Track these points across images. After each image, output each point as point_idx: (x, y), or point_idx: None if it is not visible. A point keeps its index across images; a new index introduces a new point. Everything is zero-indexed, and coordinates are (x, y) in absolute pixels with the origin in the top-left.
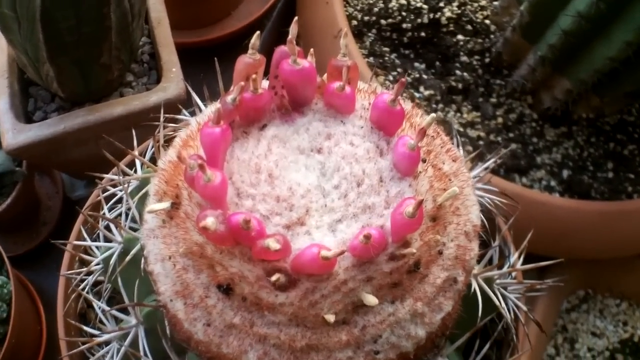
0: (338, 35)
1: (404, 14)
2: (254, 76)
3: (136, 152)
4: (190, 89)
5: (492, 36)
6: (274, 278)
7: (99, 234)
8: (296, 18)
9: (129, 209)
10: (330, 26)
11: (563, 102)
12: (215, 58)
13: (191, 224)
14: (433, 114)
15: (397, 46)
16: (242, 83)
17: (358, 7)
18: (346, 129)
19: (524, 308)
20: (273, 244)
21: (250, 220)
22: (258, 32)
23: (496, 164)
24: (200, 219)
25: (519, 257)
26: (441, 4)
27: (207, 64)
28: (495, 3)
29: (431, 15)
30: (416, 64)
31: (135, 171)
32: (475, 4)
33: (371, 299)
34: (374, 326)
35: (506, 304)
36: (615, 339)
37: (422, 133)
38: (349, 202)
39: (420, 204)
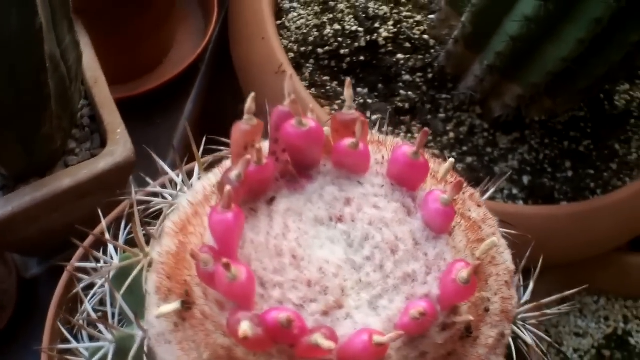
0: (279, 71)
1: (340, 39)
2: (257, 145)
3: (105, 230)
4: (155, 156)
5: (432, 51)
6: None
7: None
8: (252, 94)
9: (107, 299)
10: (269, 62)
11: (514, 108)
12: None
13: (212, 325)
14: (451, 159)
15: (337, 73)
16: (248, 156)
17: (292, 39)
18: (365, 191)
19: (549, 339)
20: (323, 341)
21: (293, 319)
22: (253, 93)
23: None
24: (232, 325)
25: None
26: (377, 25)
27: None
28: (432, 17)
29: (368, 38)
30: (359, 89)
31: (105, 253)
32: (411, 20)
33: None
34: None
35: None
36: (599, 335)
37: (459, 187)
38: (386, 274)
39: (476, 268)
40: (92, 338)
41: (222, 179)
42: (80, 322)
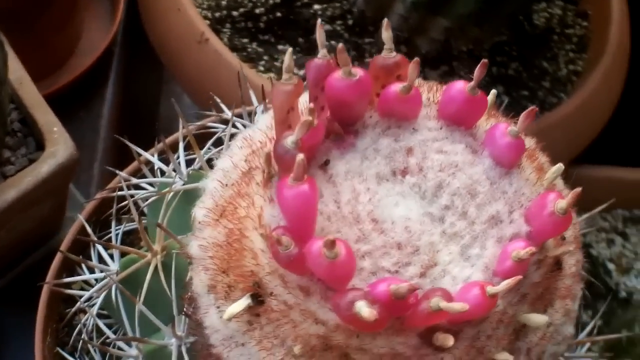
0: (202, 40)
1: None
2: (310, 105)
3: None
4: (129, 144)
5: None
6: (437, 341)
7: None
8: (290, 49)
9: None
10: (188, 33)
11: (441, 42)
12: None
13: (299, 315)
14: (494, 91)
15: (255, 34)
16: (308, 118)
17: (205, 6)
18: (424, 136)
19: None
20: (448, 305)
21: (412, 288)
22: (290, 49)
23: None
24: (345, 309)
25: None
26: None
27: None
28: None
29: None
30: (279, 47)
31: (90, 258)
32: None
33: (540, 319)
34: (537, 345)
35: None
36: None
37: (531, 116)
38: (472, 220)
39: (577, 196)
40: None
41: (276, 149)
42: (83, 341)
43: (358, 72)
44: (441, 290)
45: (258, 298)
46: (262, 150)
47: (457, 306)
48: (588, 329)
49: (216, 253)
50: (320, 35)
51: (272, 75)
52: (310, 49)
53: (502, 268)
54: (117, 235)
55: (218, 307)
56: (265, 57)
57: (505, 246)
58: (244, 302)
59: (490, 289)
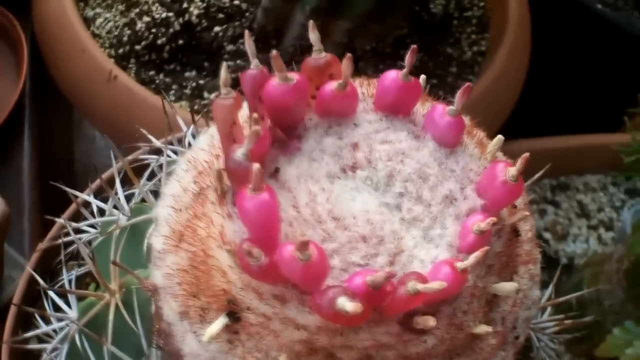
0: (110, 78)
1: (153, 30)
2: (255, 115)
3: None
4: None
5: (247, 14)
6: (418, 325)
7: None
8: (225, 63)
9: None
10: (96, 72)
11: (345, 44)
12: None
13: (279, 324)
14: (423, 76)
15: (160, 65)
16: (256, 127)
17: (107, 44)
18: (365, 130)
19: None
20: (425, 286)
21: (387, 275)
22: (225, 63)
23: None
24: (327, 307)
25: None
26: (185, 5)
27: None
28: None
29: (180, 20)
30: (187, 74)
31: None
32: None
33: (510, 286)
34: (510, 313)
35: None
36: None
37: (468, 91)
38: (428, 203)
39: (526, 161)
40: None
41: (227, 163)
42: None
43: (294, 76)
44: (415, 274)
45: (234, 315)
46: (210, 169)
47: (435, 285)
48: (547, 295)
49: (183, 278)
50: (249, 45)
51: (183, 103)
52: (216, 72)
53: (465, 243)
54: (69, 281)
55: (194, 332)
56: (174, 87)
57: (464, 222)
58: (221, 321)
59: (460, 265)
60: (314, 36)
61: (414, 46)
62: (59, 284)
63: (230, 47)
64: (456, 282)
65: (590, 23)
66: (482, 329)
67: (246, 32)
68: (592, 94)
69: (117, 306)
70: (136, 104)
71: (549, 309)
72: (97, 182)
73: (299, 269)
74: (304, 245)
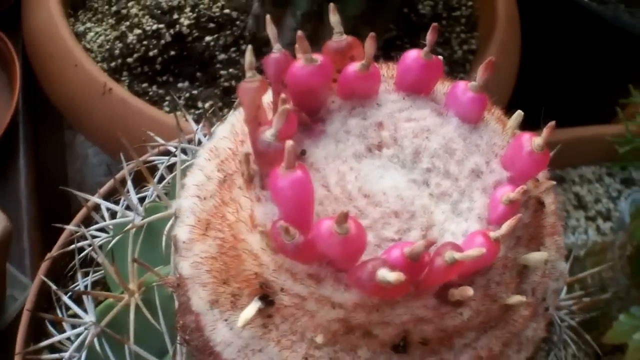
0: (105, 90)
1: (145, 42)
2: (282, 95)
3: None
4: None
5: (237, 22)
6: (454, 297)
7: None
8: (249, 47)
9: None
10: (91, 86)
11: None
12: None
13: (315, 304)
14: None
15: (153, 77)
16: (286, 106)
17: (99, 58)
18: (389, 109)
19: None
20: (462, 254)
21: (422, 245)
22: (250, 45)
23: None
24: (368, 279)
25: None
26: (175, 16)
27: None
28: None
29: (171, 31)
30: (179, 85)
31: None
32: (206, 1)
33: (540, 256)
34: (540, 284)
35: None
36: None
37: (490, 66)
38: (455, 177)
39: (551, 130)
40: None
41: (256, 145)
42: None
43: (318, 57)
44: (450, 244)
45: (267, 299)
46: (234, 155)
47: (475, 252)
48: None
49: (212, 266)
50: (271, 30)
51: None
52: (209, 81)
53: (495, 215)
54: (85, 286)
55: (226, 320)
56: (168, 98)
57: (493, 194)
58: (254, 305)
59: (494, 234)
60: (334, 19)
61: (435, 24)
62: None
63: (222, 56)
64: (491, 251)
65: (578, 17)
66: (516, 299)
67: (267, 17)
68: (583, 88)
69: (137, 306)
70: (132, 116)
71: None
72: (106, 186)
73: (337, 244)
74: (342, 218)
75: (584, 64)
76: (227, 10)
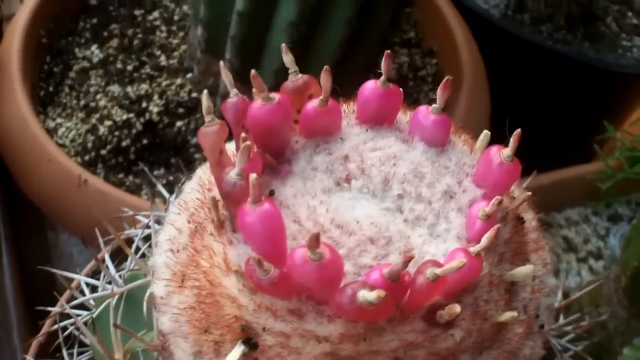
0: (81, 182)
1: (116, 133)
2: (243, 134)
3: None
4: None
5: None
6: (443, 318)
7: None
8: (205, 91)
9: None
10: (66, 179)
11: None
12: None
13: (300, 340)
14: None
15: (128, 167)
16: (247, 143)
17: (72, 153)
18: (353, 142)
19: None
20: (442, 269)
21: (400, 264)
22: (206, 90)
23: None
24: (348, 304)
25: None
26: (144, 105)
27: None
28: (190, 75)
29: (142, 120)
30: (156, 172)
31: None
32: (173, 87)
33: (526, 270)
34: (531, 300)
35: None
36: None
37: (449, 85)
38: (428, 200)
39: (519, 138)
40: None
41: (222, 187)
42: None
43: (275, 95)
44: (430, 262)
45: (250, 342)
46: (203, 205)
47: (455, 264)
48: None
49: (191, 316)
50: (226, 75)
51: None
52: (186, 165)
53: (473, 232)
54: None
55: None
56: (145, 187)
57: (469, 212)
58: (238, 350)
59: (474, 249)
60: (287, 59)
61: (388, 51)
62: None
63: (194, 140)
64: (473, 267)
65: (545, 60)
66: (507, 315)
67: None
68: (559, 129)
69: None
70: (110, 205)
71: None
72: (88, 267)
73: (312, 271)
74: (314, 242)
75: (557, 106)
76: (195, 94)
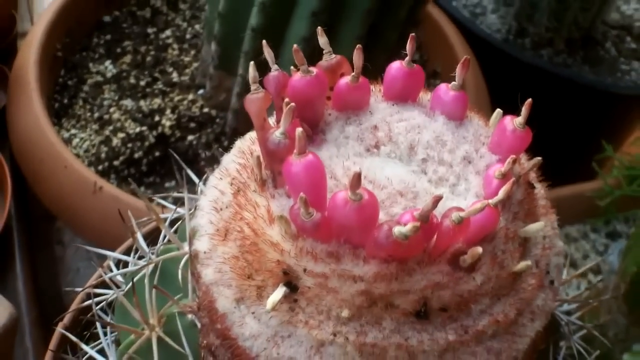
0: (96, 189)
1: (130, 145)
2: (286, 99)
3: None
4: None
5: (217, 120)
6: (465, 262)
7: None
8: (252, 63)
9: None
10: (81, 186)
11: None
12: None
13: (337, 280)
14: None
15: (140, 178)
16: (292, 104)
17: (86, 162)
18: (381, 115)
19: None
20: (467, 211)
21: (430, 204)
22: (252, 62)
23: None
24: (384, 239)
25: None
26: (157, 118)
27: None
28: (201, 91)
29: (154, 133)
30: (167, 184)
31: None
32: (185, 102)
33: (537, 226)
34: (542, 256)
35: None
36: None
37: (466, 65)
38: (449, 164)
39: (530, 107)
40: None
41: (266, 146)
42: None
43: (314, 69)
44: (455, 208)
45: (291, 284)
46: (244, 168)
47: (478, 205)
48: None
49: (236, 264)
50: (268, 53)
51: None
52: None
53: (490, 190)
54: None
55: (253, 313)
56: (156, 197)
57: (486, 173)
58: (279, 291)
59: (492, 200)
60: (322, 40)
61: (412, 34)
62: (98, 346)
63: (205, 154)
64: (492, 216)
65: (546, 82)
66: (522, 265)
67: (264, 42)
68: (560, 149)
69: (159, 338)
70: (124, 210)
71: None
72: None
73: (352, 211)
74: (356, 180)
75: (558, 126)
76: (206, 110)
